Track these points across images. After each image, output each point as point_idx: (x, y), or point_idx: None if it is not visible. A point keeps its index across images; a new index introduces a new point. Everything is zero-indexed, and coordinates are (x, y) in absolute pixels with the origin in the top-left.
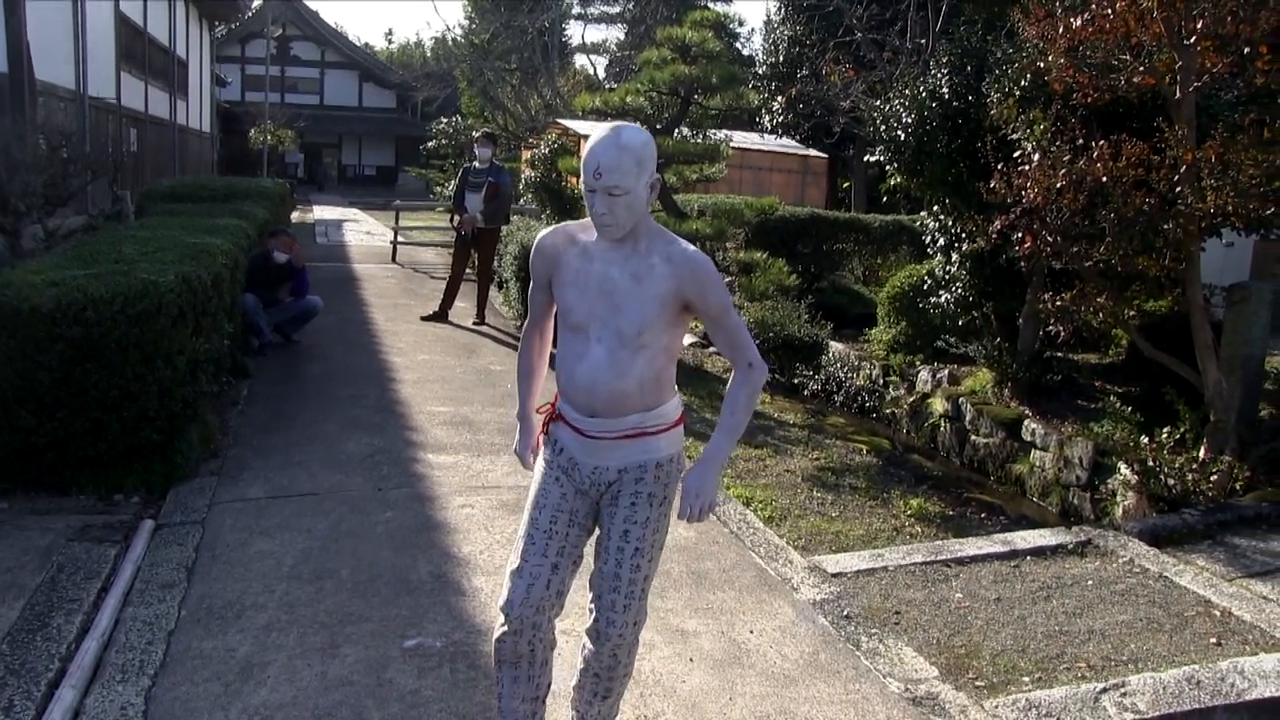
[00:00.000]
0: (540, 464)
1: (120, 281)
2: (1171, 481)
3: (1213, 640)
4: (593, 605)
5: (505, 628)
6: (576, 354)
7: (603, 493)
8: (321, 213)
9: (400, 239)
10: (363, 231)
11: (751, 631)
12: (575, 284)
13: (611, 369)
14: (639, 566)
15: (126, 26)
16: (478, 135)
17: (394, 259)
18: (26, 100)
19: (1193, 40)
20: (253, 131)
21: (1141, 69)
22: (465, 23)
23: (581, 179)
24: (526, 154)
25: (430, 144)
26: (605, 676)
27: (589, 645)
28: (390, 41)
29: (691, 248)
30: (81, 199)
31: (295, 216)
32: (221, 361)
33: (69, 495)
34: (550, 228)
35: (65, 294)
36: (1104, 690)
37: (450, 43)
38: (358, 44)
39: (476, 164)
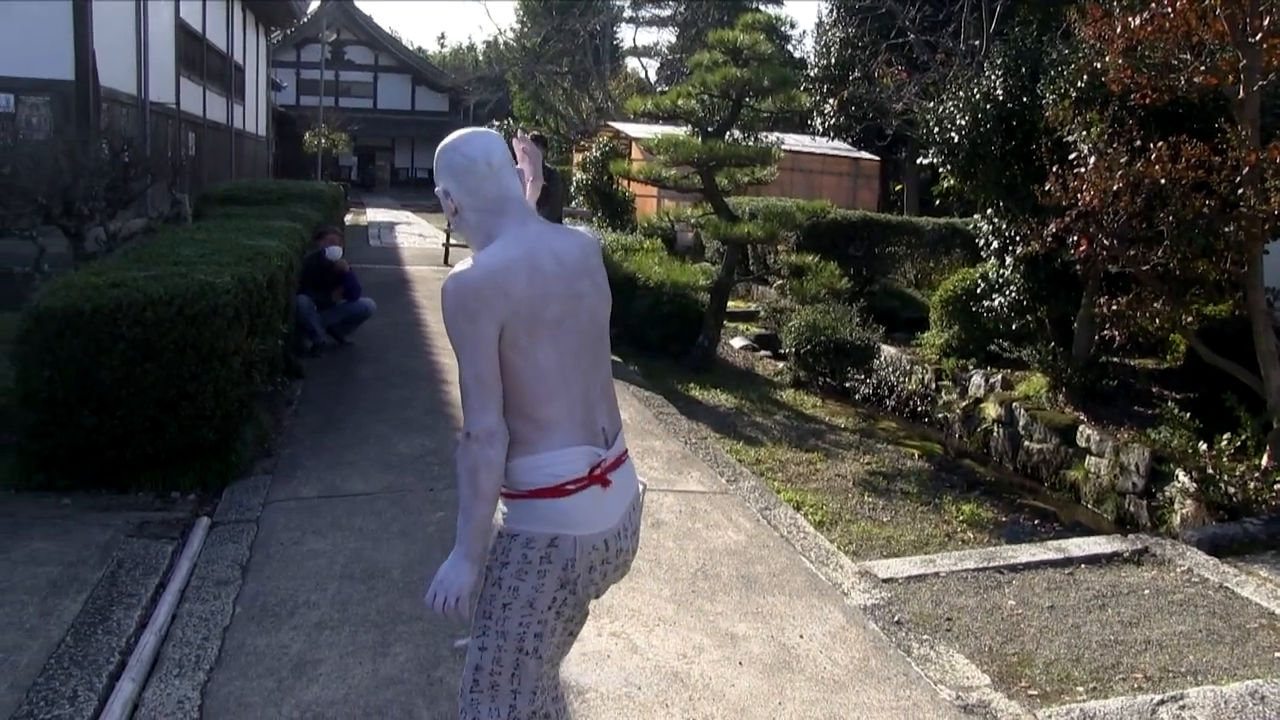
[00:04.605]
0: None
1: (178, 283)
2: (1232, 490)
3: (1278, 654)
4: None
5: None
6: None
7: None
8: (374, 215)
9: (452, 241)
10: (415, 234)
11: (801, 636)
12: None
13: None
14: (474, 648)
15: (185, 33)
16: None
17: (446, 261)
18: (91, 107)
19: (1258, 38)
20: (307, 135)
21: (1203, 68)
22: (517, 26)
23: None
24: (578, 157)
25: None
26: None
27: None
28: (443, 45)
29: (464, 266)
30: (141, 202)
31: (348, 219)
32: (276, 362)
33: (128, 492)
34: None
35: (126, 295)
36: (1161, 702)
37: (502, 46)
38: (411, 48)
39: None
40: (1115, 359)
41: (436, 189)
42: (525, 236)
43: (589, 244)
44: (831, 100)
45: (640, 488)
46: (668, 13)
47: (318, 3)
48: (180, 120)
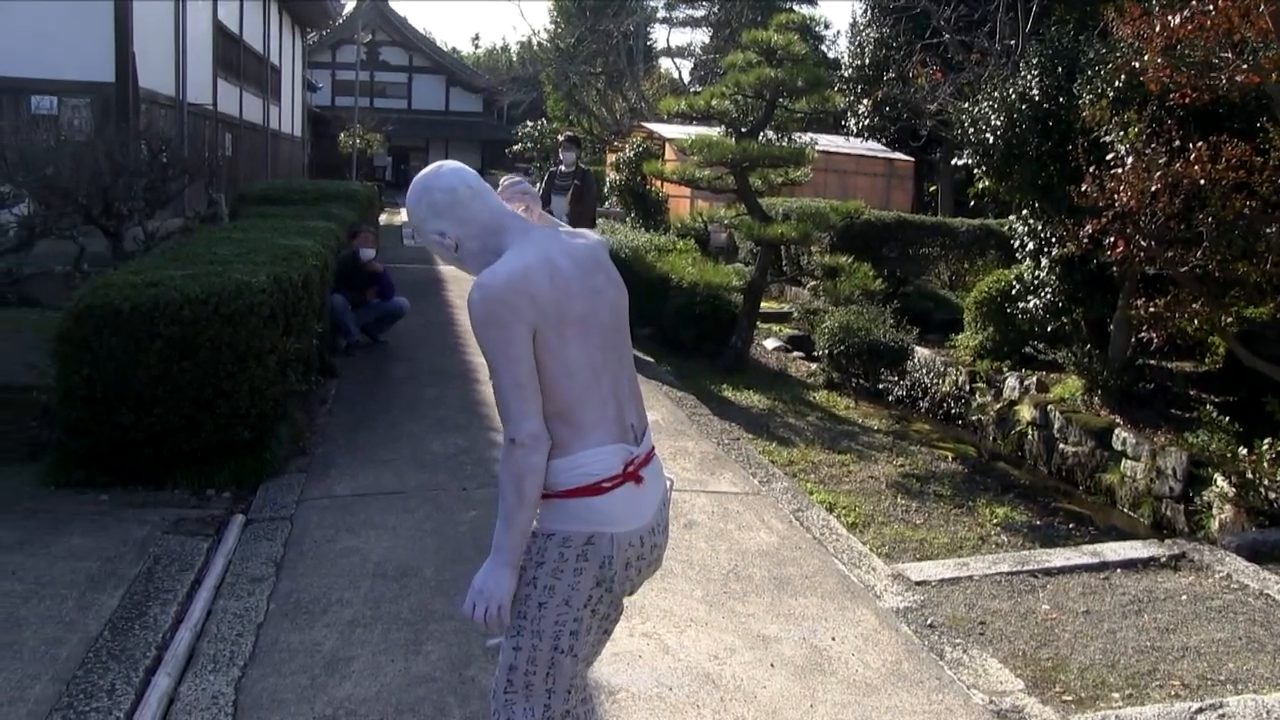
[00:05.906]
0: None
1: (215, 282)
2: (1272, 495)
3: None
4: None
5: None
6: None
7: None
8: (408, 215)
9: None
10: None
11: (833, 638)
12: None
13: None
14: (507, 648)
15: (223, 35)
16: (562, 139)
17: None
18: (130, 108)
19: None
20: (342, 135)
21: (1245, 67)
22: (551, 27)
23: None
24: (611, 157)
25: (516, 147)
26: None
27: None
28: (477, 46)
29: (482, 277)
30: (179, 202)
31: (383, 219)
32: (310, 361)
33: (164, 490)
34: None
35: (163, 294)
36: (1199, 710)
37: (536, 47)
38: (445, 49)
39: (562, 167)
40: (1152, 361)
41: (429, 238)
42: (535, 241)
43: (597, 242)
44: (865, 101)
45: (668, 483)
46: (701, 13)
47: (353, 4)
48: (217, 121)
